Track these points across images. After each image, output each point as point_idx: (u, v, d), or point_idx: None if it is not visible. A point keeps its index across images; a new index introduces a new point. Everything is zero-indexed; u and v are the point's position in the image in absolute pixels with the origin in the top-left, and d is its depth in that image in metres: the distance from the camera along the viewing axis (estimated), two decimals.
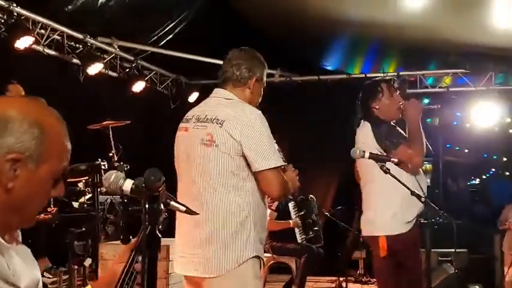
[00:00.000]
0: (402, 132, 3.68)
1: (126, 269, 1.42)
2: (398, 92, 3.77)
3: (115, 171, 1.66)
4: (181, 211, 1.64)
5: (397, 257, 3.44)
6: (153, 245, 1.26)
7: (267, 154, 2.56)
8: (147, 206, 1.31)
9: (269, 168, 2.56)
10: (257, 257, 2.64)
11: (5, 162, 1.21)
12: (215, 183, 2.60)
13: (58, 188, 1.36)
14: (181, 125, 2.80)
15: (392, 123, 3.68)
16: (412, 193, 2.95)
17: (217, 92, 2.80)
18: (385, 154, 3.43)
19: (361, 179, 3.69)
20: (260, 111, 2.68)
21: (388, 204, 3.41)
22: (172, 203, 1.57)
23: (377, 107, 3.66)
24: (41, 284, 1.39)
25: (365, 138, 3.55)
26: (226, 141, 2.57)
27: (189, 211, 1.65)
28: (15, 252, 1.32)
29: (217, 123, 2.61)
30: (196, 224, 2.60)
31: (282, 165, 2.62)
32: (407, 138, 3.57)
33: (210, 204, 2.60)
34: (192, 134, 2.69)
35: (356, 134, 3.71)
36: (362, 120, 3.71)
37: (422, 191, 3.39)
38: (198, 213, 1.81)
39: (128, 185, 1.59)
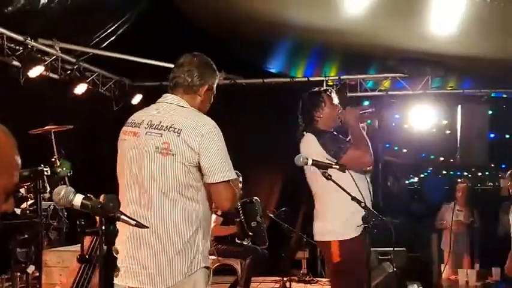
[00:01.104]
0: (344, 138, 3.84)
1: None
2: (337, 99, 3.93)
3: (65, 186, 1.68)
4: (131, 225, 1.67)
5: (350, 260, 3.54)
6: (110, 265, 1.30)
7: (223, 166, 2.56)
8: (103, 227, 1.34)
9: (223, 181, 2.57)
10: (206, 267, 2.65)
11: None
12: (169, 193, 2.57)
13: (8, 203, 1.37)
14: (128, 128, 2.71)
15: (334, 132, 3.82)
16: (353, 198, 3.08)
17: (168, 97, 2.73)
18: (334, 161, 3.54)
19: (311, 186, 3.81)
20: (214, 122, 2.66)
21: (339, 210, 3.54)
22: (123, 217, 1.61)
23: (321, 116, 3.80)
24: None
25: (309, 149, 3.63)
26: (183, 151, 2.54)
27: (139, 225, 1.68)
28: None
29: (174, 132, 2.57)
30: (146, 234, 2.53)
31: (233, 178, 2.61)
32: (352, 142, 3.73)
33: (163, 214, 2.57)
34: (145, 140, 2.62)
35: (300, 146, 3.80)
36: (304, 132, 3.82)
37: (370, 195, 3.66)
38: (147, 227, 1.83)
39: (78, 200, 1.62)
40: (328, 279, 4.31)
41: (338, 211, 3.58)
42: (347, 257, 3.54)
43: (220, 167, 2.56)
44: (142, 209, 2.58)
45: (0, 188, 1.31)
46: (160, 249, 2.56)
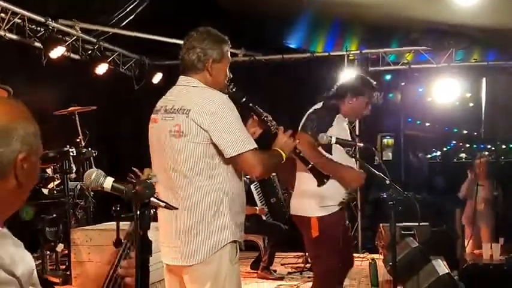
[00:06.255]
0: (346, 128, 3.88)
1: (110, 273, 1.47)
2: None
3: (95, 169, 1.70)
4: (161, 207, 1.69)
5: (328, 235, 3.70)
6: (145, 249, 1.32)
7: (236, 140, 2.56)
8: (138, 212, 1.36)
9: (240, 153, 2.57)
10: (234, 241, 2.67)
11: (19, 162, 1.33)
12: (188, 173, 2.61)
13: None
14: (153, 116, 2.79)
15: (343, 117, 3.84)
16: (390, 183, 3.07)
17: (182, 79, 2.77)
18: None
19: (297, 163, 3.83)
20: (225, 96, 2.67)
21: (318, 188, 3.54)
22: (153, 199, 1.63)
23: (350, 102, 3.84)
24: (35, 273, 1.43)
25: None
26: (193, 130, 2.57)
27: (168, 206, 1.70)
28: (10, 238, 1.38)
29: (183, 113, 2.61)
30: (172, 213, 2.60)
31: (252, 148, 2.60)
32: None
33: (184, 194, 2.62)
34: (161, 125, 2.70)
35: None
36: (321, 102, 3.85)
37: None
38: (177, 208, 1.85)
39: (108, 182, 1.65)
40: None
41: (317, 189, 3.53)
42: (324, 232, 3.68)
43: (233, 141, 2.56)
44: (167, 191, 2.64)
45: (38, 159, 1.40)
46: (184, 228, 2.62)
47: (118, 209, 1.42)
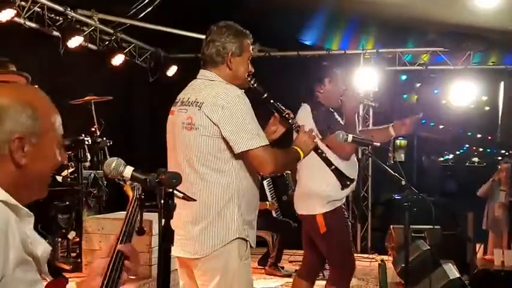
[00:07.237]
0: (339, 119, 3.85)
1: (112, 260, 1.48)
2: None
3: (116, 158, 1.71)
4: (178, 197, 1.70)
5: (336, 227, 3.76)
6: (167, 238, 1.33)
7: (246, 135, 2.54)
8: (162, 201, 1.36)
9: (250, 149, 2.54)
10: (242, 238, 2.64)
11: (12, 143, 1.34)
12: (197, 166, 2.61)
13: (61, 154, 1.48)
14: (171, 108, 2.79)
15: (330, 109, 3.83)
16: (405, 186, 3.05)
17: (201, 73, 2.76)
18: (320, 137, 3.57)
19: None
20: (240, 91, 2.64)
21: (323, 186, 3.62)
22: (170, 190, 1.63)
23: (321, 91, 3.82)
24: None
25: (304, 120, 3.54)
26: (205, 123, 2.56)
27: (186, 198, 1.71)
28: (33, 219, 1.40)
29: (196, 106, 2.60)
30: (182, 205, 2.60)
31: (263, 145, 2.56)
32: (343, 126, 3.68)
33: (194, 186, 2.60)
34: (176, 117, 2.70)
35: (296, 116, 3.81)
36: (302, 103, 3.86)
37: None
38: (195, 200, 1.85)
39: (128, 171, 1.66)
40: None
41: (322, 187, 3.65)
42: (331, 225, 3.72)
43: (244, 136, 2.54)
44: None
45: (50, 142, 1.43)
46: (191, 221, 2.61)
47: (142, 196, 1.42)
